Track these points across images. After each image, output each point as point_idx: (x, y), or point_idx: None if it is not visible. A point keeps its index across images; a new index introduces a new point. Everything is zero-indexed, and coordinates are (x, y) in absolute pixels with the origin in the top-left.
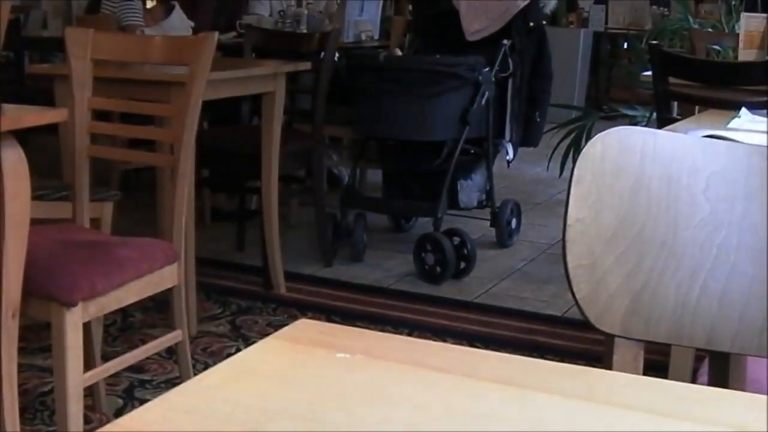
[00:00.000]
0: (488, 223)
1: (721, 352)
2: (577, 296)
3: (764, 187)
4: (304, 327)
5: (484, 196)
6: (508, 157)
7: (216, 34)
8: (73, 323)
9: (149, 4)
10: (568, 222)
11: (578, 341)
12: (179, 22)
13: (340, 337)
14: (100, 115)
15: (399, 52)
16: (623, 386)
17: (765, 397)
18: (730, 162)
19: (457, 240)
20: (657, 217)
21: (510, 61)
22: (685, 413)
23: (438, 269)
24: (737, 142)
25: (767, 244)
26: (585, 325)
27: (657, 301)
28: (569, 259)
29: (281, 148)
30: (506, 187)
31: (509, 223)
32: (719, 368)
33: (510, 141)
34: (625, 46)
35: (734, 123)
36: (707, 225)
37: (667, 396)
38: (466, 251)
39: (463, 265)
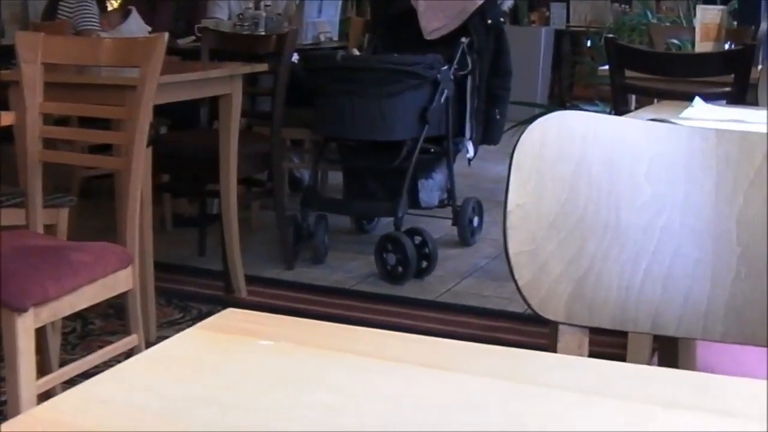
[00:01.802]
0: (450, 221)
1: (669, 336)
2: (519, 283)
3: (706, 169)
4: (230, 316)
5: (445, 195)
6: (468, 156)
7: (166, 36)
8: (24, 329)
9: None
10: (509, 208)
11: (540, 337)
12: (136, 27)
13: (265, 325)
14: (60, 121)
15: (357, 52)
16: (551, 366)
17: (692, 373)
18: (672, 145)
19: (418, 239)
20: (599, 201)
21: (468, 59)
22: (611, 390)
23: (399, 269)
24: (678, 124)
25: (710, 226)
26: (547, 321)
27: (600, 286)
28: (510, 246)
29: (240, 150)
30: (468, 186)
31: (471, 221)
32: (668, 353)
33: (470, 139)
34: (588, 44)
35: (687, 112)
36: (649, 208)
37: (595, 374)
38: (427, 250)
39: (424, 264)
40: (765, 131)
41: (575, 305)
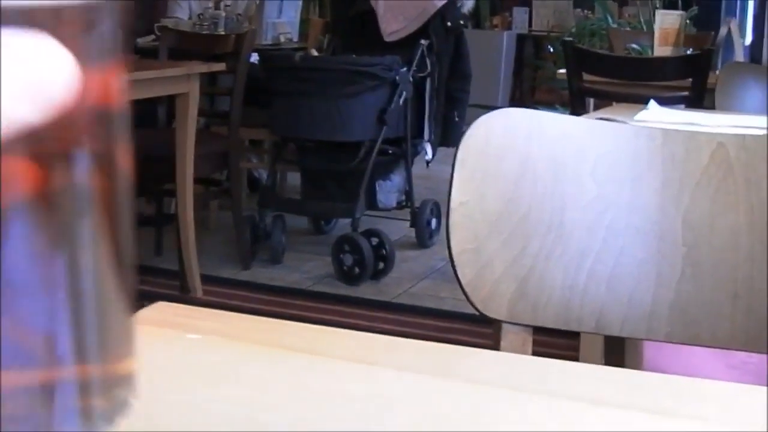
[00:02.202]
0: (408, 223)
1: (615, 336)
2: (462, 282)
3: (652, 168)
4: (160, 309)
5: (403, 197)
6: (427, 158)
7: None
8: None
9: None
10: (452, 206)
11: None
12: None
13: (195, 319)
14: None
15: (316, 53)
16: (481, 363)
17: (626, 371)
18: (617, 143)
19: (375, 240)
20: (543, 199)
21: (428, 61)
22: (543, 387)
23: (356, 270)
24: (621, 122)
25: (655, 226)
26: (491, 320)
27: (544, 285)
28: (453, 243)
29: (198, 150)
30: (426, 188)
31: (429, 223)
32: (615, 354)
33: (429, 141)
34: (551, 49)
35: (642, 115)
36: (595, 207)
37: (525, 371)
38: (384, 252)
39: (381, 265)
40: (713, 132)
41: (518, 304)
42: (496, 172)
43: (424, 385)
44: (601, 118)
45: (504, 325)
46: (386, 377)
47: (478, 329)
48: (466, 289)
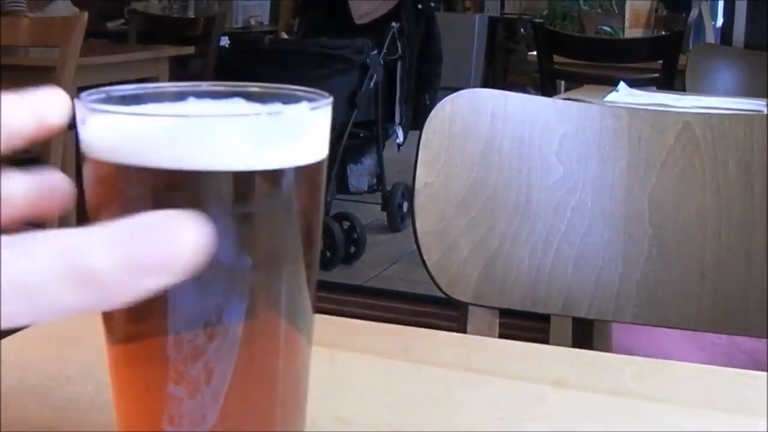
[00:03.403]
0: (379, 207)
1: (583, 318)
2: (428, 263)
3: (618, 149)
4: None
5: (374, 180)
6: (398, 141)
7: (86, 15)
8: None
9: None
10: (417, 187)
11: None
12: (64, 8)
13: None
14: None
15: (285, 36)
16: (441, 345)
17: (589, 353)
18: (583, 123)
19: (346, 224)
20: (509, 179)
21: (399, 43)
22: (505, 370)
23: (327, 254)
24: (590, 102)
25: (622, 206)
26: (456, 302)
27: (511, 266)
28: (418, 225)
29: None
30: (397, 171)
31: (401, 206)
32: (583, 335)
33: (400, 124)
34: (523, 31)
35: (611, 97)
36: (561, 187)
37: (487, 353)
38: (355, 235)
39: (353, 249)
40: (679, 111)
41: (485, 286)
42: (461, 152)
43: (385, 368)
44: (568, 99)
45: (470, 308)
46: (344, 359)
47: (449, 312)
48: (432, 271)
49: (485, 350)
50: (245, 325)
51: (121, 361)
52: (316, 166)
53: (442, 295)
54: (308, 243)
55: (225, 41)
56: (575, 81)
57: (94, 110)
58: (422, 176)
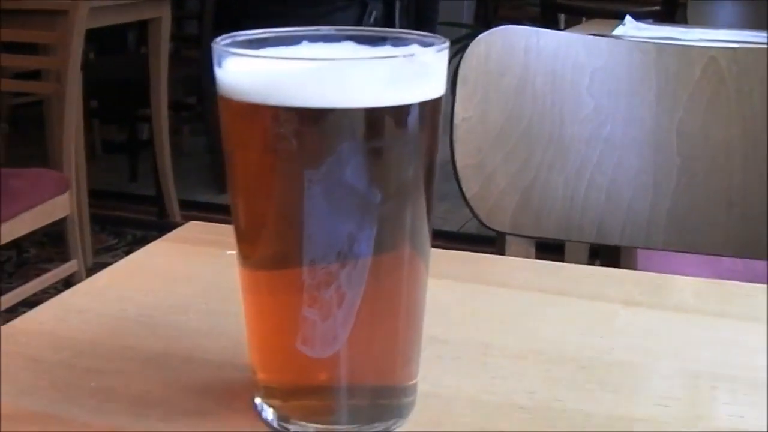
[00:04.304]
0: None
1: (611, 246)
2: (467, 195)
3: (646, 82)
4: (193, 228)
5: None
6: None
7: None
8: None
9: None
10: (455, 122)
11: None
12: None
13: (229, 237)
14: None
15: None
16: (513, 268)
17: (650, 274)
18: (613, 58)
19: None
20: (543, 113)
21: None
22: (575, 291)
23: None
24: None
25: (651, 137)
26: (481, 239)
27: (546, 196)
28: (457, 158)
29: (169, 75)
30: None
31: None
32: (610, 264)
33: None
34: None
35: (618, 30)
36: (592, 120)
37: (556, 276)
38: None
39: None
40: (704, 46)
41: (521, 216)
42: (497, 87)
43: (464, 291)
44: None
45: (508, 237)
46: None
47: (456, 245)
48: (471, 203)
49: (554, 273)
50: (374, 252)
51: (257, 286)
52: (437, 101)
53: (450, 230)
54: (429, 176)
55: None
56: (576, 14)
57: (235, 54)
58: (460, 112)
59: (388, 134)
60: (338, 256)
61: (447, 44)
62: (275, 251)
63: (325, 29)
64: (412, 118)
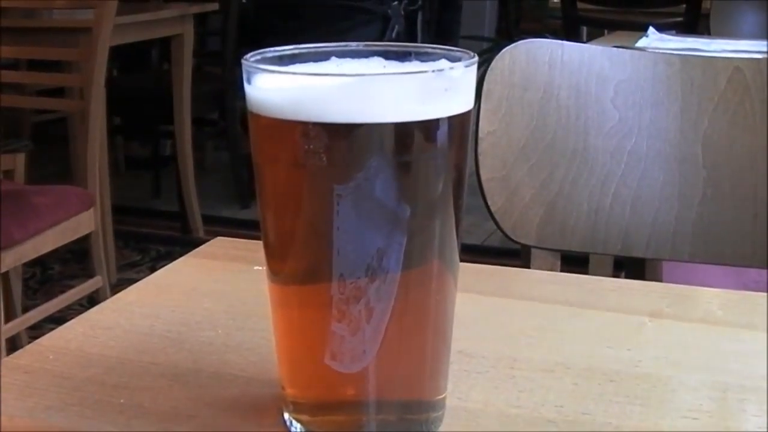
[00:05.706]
0: None
1: (636, 258)
2: (492, 209)
3: (671, 94)
4: (220, 244)
5: None
6: None
7: None
8: None
9: None
10: (480, 135)
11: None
12: None
13: (256, 252)
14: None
15: None
16: (538, 282)
17: (676, 286)
18: (637, 70)
19: None
20: (567, 126)
21: None
22: (601, 303)
23: None
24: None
25: (676, 149)
26: (505, 252)
27: (571, 209)
28: (482, 172)
29: (192, 90)
30: None
31: None
32: (635, 276)
33: None
34: None
35: (642, 42)
36: (617, 133)
37: (582, 288)
38: None
39: None
40: (729, 57)
41: (546, 229)
42: (521, 101)
43: (490, 305)
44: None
45: (533, 251)
46: None
47: (480, 259)
48: (496, 216)
49: (580, 286)
50: (403, 267)
51: (286, 301)
52: (466, 115)
53: (474, 243)
54: (458, 190)
55: None
56: (599, 27)
57: (264, 70)
58: (485, 126)
59: (417, 149)
60: (367, 270)
61: (476, 59)
62: (304, 266)
63: (353, 45)
64: (442, 133)
